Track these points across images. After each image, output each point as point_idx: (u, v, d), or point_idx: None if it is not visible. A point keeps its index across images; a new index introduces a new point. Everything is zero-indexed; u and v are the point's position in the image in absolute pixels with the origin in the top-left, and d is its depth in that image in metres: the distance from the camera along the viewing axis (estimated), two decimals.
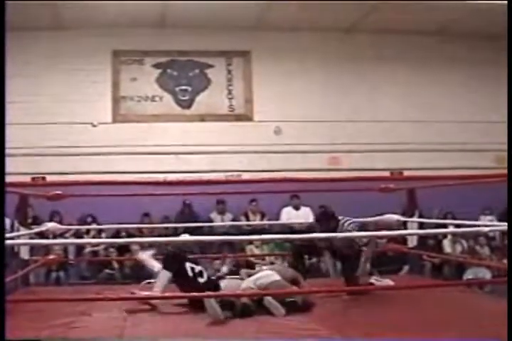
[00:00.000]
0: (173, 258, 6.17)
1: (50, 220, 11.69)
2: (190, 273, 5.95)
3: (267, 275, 5.92)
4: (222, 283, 6.11)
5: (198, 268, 6.04)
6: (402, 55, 14.57)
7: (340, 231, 6.75)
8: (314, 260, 11.84)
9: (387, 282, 6.93)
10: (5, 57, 7.67)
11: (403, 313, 5.41)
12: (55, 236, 10.51)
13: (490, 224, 6.54)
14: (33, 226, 8.49)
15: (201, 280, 5.98)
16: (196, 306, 5.57)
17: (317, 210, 10.61)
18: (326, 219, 6.99)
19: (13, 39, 13.03)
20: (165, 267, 6.05)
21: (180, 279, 5.96)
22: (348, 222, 6.88)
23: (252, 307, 5.48)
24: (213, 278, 6.31)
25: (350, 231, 6.79)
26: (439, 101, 14.63)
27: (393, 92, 14.62)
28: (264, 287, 5.76)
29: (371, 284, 6.93)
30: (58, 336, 4.78)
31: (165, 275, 5.99)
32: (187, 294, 5.79)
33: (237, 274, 6.50)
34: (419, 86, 14.67)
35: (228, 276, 6.60)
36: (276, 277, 5.87)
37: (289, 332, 4.83)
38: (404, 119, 14.36)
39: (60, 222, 11.82)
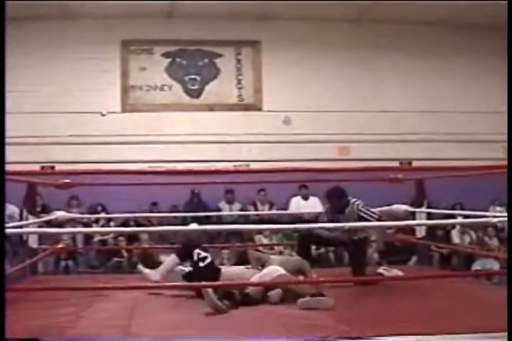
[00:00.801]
0: (185, 247, 6.45)
1: (68, 206, 11.80)
2: (195, 258, 6.13)
3: (271, 271, 5.90)
4: (224, 269, 6.25)
5: (203, 254, 6.18)
6: (411, 45, 14.51)
7: (351, 212, 6.76)
8: (323, 250, 11.90)
9: (396, 272, 6.93)
10: (5, 52, 7.66)
11: (410, 304, 5.40)
12: (63, 225, 10.51)
13: (499, 215, 6.50)
14: (42, 215, 8.51)
15: (202, 264, 6.08)
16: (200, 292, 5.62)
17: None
18: (336, 196, 6.99)
19: (22, 28, 13.10)
20: (176, 253, 6.31)
21: (186, 263, 6.22)
22: (360, 204, 6.88)
23: (253, 296, 5.52)
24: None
25: (361, 212, 6.78)
26: (447, 91, 14.58)
27: (402, 82, 14.57)
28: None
29: (379, 274, 6.93)
30: (64, 326, 4.78)
31: (172, 259, 6.27)
32: (192, 284, 5.82)
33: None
34: (428, 76, 14.61)
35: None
36: (281, 271, 5.86)
37: (291, 323, 4.83)
38: (413, 109, 14.31)
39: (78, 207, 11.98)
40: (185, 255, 6.26)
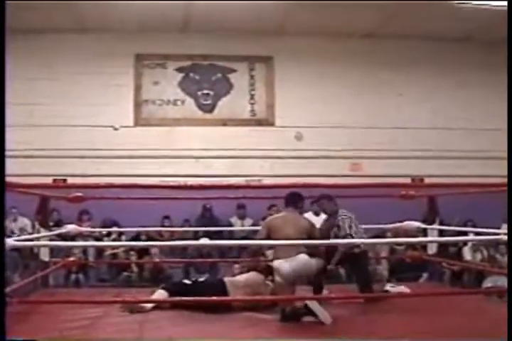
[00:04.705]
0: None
1: (79, 220, 11.82)
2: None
3: (300, 258, 5.84)
4: (227, 279, 6.51)
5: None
6: (425, 61, 14.52)
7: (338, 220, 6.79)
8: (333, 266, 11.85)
9: (402, 289, 6.90)
10: (5, 58, 7.71)
11: (420, 321, 5.39)
12: (75, 239, 10.53)
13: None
14: (53, 229, 8.53)
15: (187, 281, 6.23)
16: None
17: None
18: (326, 198, 6.96)
19: (36, 41, 13.18)
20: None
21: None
22: (345, 217, 6.88)
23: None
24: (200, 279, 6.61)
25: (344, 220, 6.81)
26: (462, 108, 14.56)
27: (415, 98, 14.56)
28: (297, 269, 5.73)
29: (386, 291, 6.91)
30: (74, 339, 4.79)
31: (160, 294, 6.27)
32: (204, 298, 5.82)
33: None
34: (441, 92, 14.61)
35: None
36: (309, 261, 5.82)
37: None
38: (426, 126, 14.30)
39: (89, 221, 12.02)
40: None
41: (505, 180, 5.78)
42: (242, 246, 11.76)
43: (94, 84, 13.75)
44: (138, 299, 6.28)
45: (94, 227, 11.69)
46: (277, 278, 5.74)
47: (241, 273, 7.43)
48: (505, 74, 13.27)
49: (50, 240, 7.78)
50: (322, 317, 5.29)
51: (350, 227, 6.81)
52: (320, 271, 6.05)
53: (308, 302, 5.38)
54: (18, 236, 9.73)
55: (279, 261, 5.83)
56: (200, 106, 14.32)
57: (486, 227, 7.42)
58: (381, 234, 11.86)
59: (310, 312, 5.42)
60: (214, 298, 5.68)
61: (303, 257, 5.77)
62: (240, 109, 14.41)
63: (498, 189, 6.54)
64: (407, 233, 8.36)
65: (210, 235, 9.45)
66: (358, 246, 6.81)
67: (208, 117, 14.31)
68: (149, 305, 5.89)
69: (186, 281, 6.44)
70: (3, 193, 4.60)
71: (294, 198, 6.36)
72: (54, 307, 5.87)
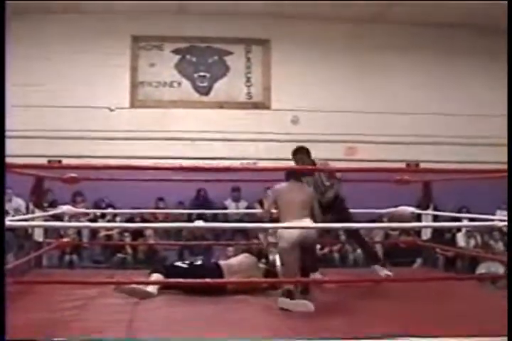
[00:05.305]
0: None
1: (73, 202, 11.80)
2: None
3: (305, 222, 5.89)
4: (222, 262, 6.56)
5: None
6: (422, 47, 14.49)
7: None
8: (326, 250, 11.92)
9: (386, 273, 6.85)
10: (4, 58, 7.68)
11: (412, 307, 5.40)
12: (69, 220, 10.53)
13: (505, 219, 6.48)
14: (48, 209, 8.53)
15: (184, 265, 6.38)
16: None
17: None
18: (305, 153, 6.96)
19: (32, 21, 13.13)
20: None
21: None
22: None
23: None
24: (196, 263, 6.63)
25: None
26: (456, 94, 14.55)
27: (413, 84, 14.54)
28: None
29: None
30: (67, 320, 4.79)
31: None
32: (201, 280, 5.81)
33: None
34: (438, 78, 14.60)
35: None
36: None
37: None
38: (422, 111, 14.28)
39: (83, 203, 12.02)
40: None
41: (499, 167, 5.78)
42: (237, 229, 11.80)
43: (91, 65, 13.70)
44: (132, 280, 6.28)
45: (88, 209, 11.68)
46: (281, 244, 5.76)
47: (235, 255, 7.46)
48: (505, 61, 13.27)
49: (45, 221, 7.79)
50: (300, 309, 5.31)
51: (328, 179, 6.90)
52: (319, 237, 6.10)
53: (279, 301, 5.41)
54: (13, 216, 9.71)
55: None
56: (197, 89, 14.30)
57: (481, 214, 7.44)
58: (377, 218, 11.89)
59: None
60: (210, 280, 5.70)
61: (307, 221, 5.82)
62: (236, 91, 14.39)
63: (493, 175, 6.54)
64: (401, 218, 8.36)
65: (204, 218, 9.45)
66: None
67: (204, 99, 14.29)
68: (155, 291, 5.88)
69: (182, 265, 6.43)
70: (3, 187, 4.59)
71: (293, 172, 6.43)
72: (47, 287, 5.87)
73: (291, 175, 6.27)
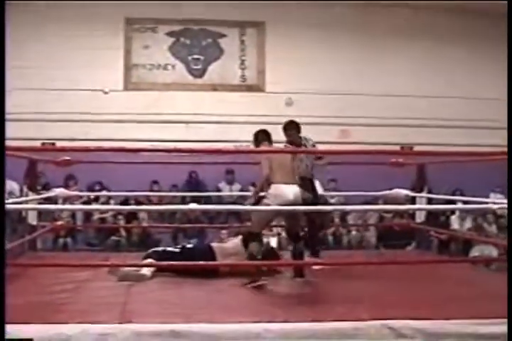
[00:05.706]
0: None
1: (65, 185, 11.77)
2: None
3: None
4: (215, 244, 6.64)
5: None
6: (417, 30, 14.43)
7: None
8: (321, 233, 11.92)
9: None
10: (5, 56, 7.63)
11: (405, 289, 5.41)
12: (63, 203, 10.52)
13: (499, 202, 6.49)
14: (42, 192, 8.51)
15: (175, 250, 6.43)
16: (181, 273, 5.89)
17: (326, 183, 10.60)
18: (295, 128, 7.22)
19: (27, 4, 13.02)
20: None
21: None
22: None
23: None
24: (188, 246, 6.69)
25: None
26: (451, 77, 14.51)
27: (407, 67, 14.49)
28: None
29: None
30: (61, 302, 4.80)
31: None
32: (195, 262, 5.82)
33: None
34: (433, 61, 14.56)
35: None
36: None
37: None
38: (417, 94, 14.25)
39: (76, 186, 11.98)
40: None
41: (493, 150, 5.78)
42: (231, 212, 11.81)
43: (84, 47, 13.59)
44: (126, 263, 6.28)
45: (81, 192, 11.66)
46: (266, 201, 5.84)
47: (229, 237, 7.48)
48: (504, 45, 13.22)
49: (39, 204, 7.78)
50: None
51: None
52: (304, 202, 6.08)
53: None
54: (7, 200, 9.68)
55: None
56: (191, 71, 14.24)
57: (474, 196, 7.45)
58: (371, 201, 11.90)
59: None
60: (202, 262, 5.73)
61: (297, 189, 5.88)
62: (230, 74, 14.34)
63: (487, 158, 6.54)
64: (395, 201, 8.37)
65: (198, 200, 9.45)
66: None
67: (198, 82, 14.24)
68: (149, 274, 5.89)
69: (174, 249, 6.44)
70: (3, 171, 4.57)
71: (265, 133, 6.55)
72: (41, 270, 5.87)
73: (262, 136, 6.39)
